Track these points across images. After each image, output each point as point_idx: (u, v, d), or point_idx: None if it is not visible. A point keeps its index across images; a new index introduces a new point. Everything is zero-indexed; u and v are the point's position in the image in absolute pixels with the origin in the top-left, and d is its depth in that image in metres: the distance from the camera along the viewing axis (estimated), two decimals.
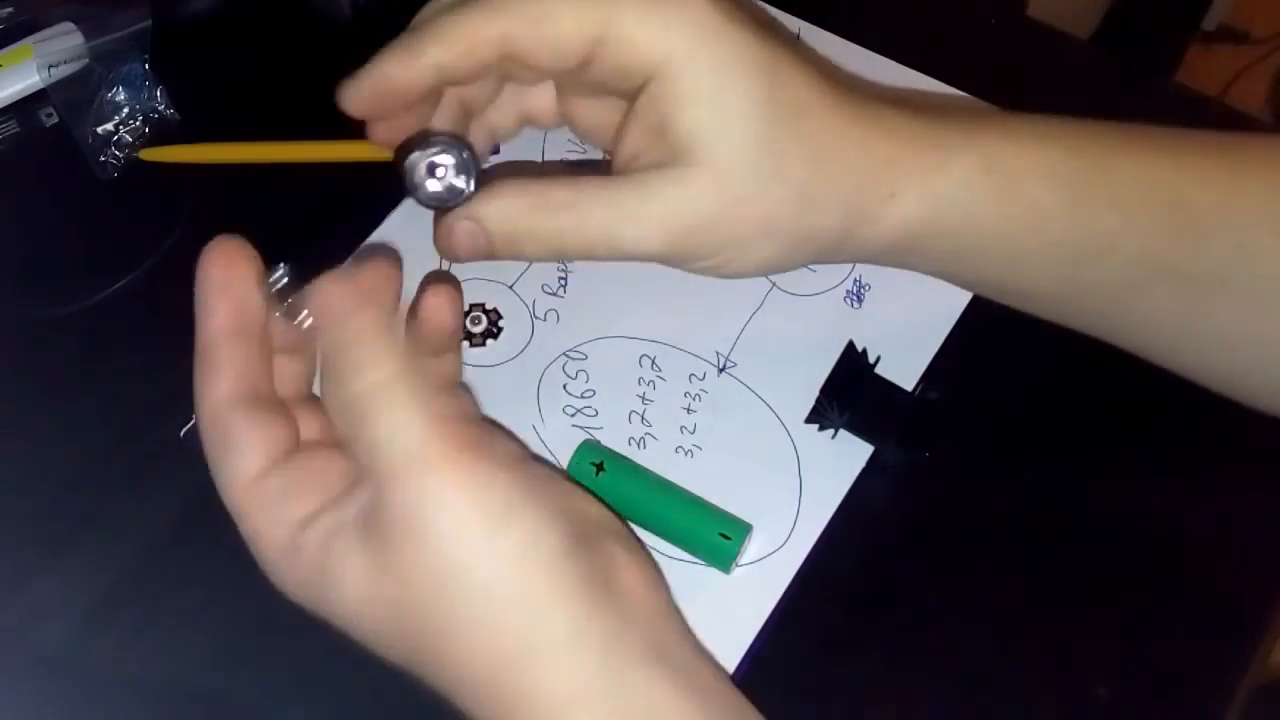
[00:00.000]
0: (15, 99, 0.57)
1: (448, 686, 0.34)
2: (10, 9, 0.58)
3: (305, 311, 0.36)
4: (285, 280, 0.36)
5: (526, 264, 0.51)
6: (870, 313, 0.49)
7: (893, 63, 0.56)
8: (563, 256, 0.38)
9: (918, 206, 0.38)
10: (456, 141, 0.37)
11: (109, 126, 0.55)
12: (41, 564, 0.45)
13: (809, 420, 0.47)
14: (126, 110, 0.55)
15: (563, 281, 0.51)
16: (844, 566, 0.45)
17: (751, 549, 0.45)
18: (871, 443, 0.47)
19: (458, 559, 0.32)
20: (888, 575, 0.45)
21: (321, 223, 0.53)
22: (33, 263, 0.54)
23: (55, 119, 0.56)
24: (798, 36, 0.55)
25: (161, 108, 0.56)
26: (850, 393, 0.46)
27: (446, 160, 0.37)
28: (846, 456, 0.47)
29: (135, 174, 0.55)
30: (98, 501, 0.47)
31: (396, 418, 0.32)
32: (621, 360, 0.49)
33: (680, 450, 0.47)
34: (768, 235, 0.37)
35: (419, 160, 0.37)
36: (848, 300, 0.50)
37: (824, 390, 0.47)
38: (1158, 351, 0.42)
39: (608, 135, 0.40)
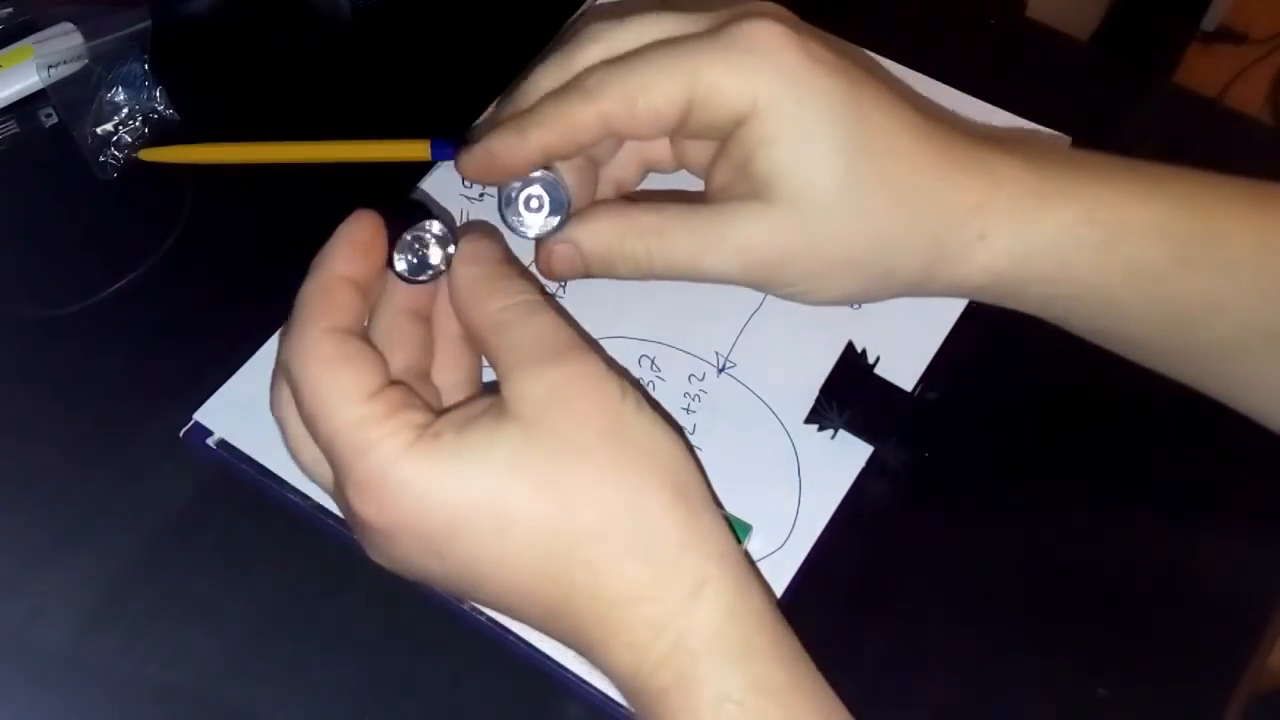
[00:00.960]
0: (15, 99, 0.56)
1: (614, 530, 0.34)
2: (10, 9, 0.58)
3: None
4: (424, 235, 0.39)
5: (526, 264, 0.51)
6: (870, 313, 0.49)
7: (893, 63, 0.56)
8: (650, 276, 0.40)
9: (1009, 252, 0.38)
10: (548, 179, 0.40)
11: (109, 127, 0.55)
12: (41, 564, 0.45)
13: (809, 420, 0.47)
14: (126, 110, 0.55)
15: (562, 282, 0.51)
16: (844, 566, 0.45)
17: (751, 549, 0.45)
18: (871, 443, 0.47)
19: (619, 414, 0.35)
20: (888, 575, 0.45)
21: (321, 223, 0.53)
22: (33, 263, 0.54)
23: (55, 119, 0.56)
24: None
25: (161, 108, 0.56)
26: (850, 393, 0.46)
27: (539, 194, 0.40)
28: (846, 456, 0.47)
29: (135, 174, 0.55)
30: (98, 502, 0.47)
31: (545, 320, 0.36)
32: (621, 360, 0.49)
33: None
34: (847, 270, 0.39)
35: (516, 194, 0.40)
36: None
37: (824, 390, 0.47)
38: (1267, 415, 0.42)
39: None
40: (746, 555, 0.37)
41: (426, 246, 0.38)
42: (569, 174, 0.40)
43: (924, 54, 0.56)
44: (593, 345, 0.36)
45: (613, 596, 0.34)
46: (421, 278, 0.38)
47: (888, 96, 0.38)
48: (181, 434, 0.47)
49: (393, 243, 0.38)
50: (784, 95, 0.36)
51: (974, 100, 0.55)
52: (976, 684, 0.43)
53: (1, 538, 0.46)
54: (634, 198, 0.41)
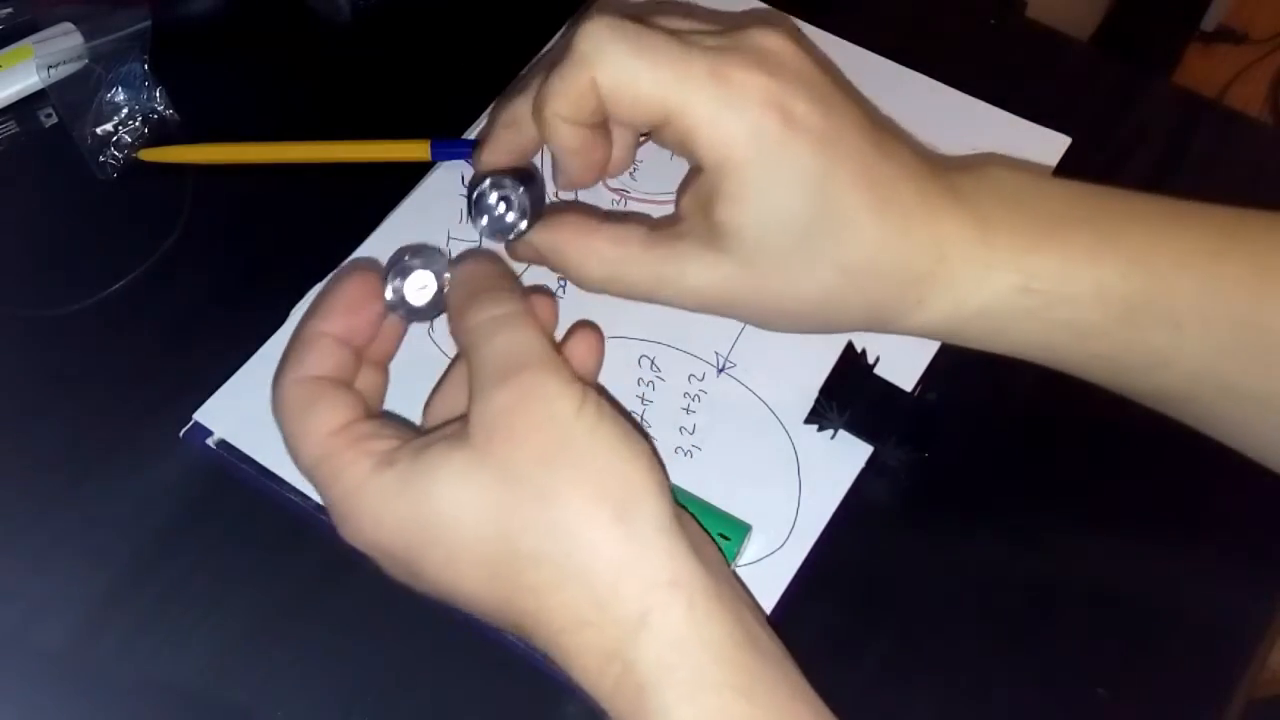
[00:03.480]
0: (15, 99, 0.57)
1: (550, 554, 0.34)
2: (10, 9, 0.58)
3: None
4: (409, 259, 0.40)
5: (525, 265, 0.51)
6: None
7: (893, 63, 0.56)
8: (608, 295, 0.42)
9: (944, 318, 0.39)
10: (519, 179, 0.41)
11: (108, 127, 0.55)
12: (41, 564, 0.45)
13: (808, 420, 0.47)
14: (126, 110, 0.55)
15: (562, 282, 0.51)
16: (844, 566, 0.45)
17: (751, 549, 0.45)
18: (871, 443, 0.47)
19: (565, 433, 0.34)
20: (888, 575, 0.45)
21: (320, 223, 0.53)
22: (33, 263, 0.54)
23: (55, 119, 0.56)
24: None
25: (161, 108, 0.56)
26: (850, 393, 0.46)
27: (509, 195, 0.41)
28: (846, 457, 0.47)
29: (135, 174, 0.55)
30: (98, 501, 0.47)
31: (505, 338, 0.36)
32: (621, 361, 0.49)
33: (680, 451, 0.47)
34: (791, 319, 0.41)
35: (486, 193, 0.41)
36: None
37: (823, 390, 0.47)
38: (1241, 447, 0.42)
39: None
40: (724, 575, 0.35)
41: (423, 288, 0.40)
42: (574, 154, 0.40)
43: (924, 54, 0.56)
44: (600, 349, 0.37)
45: (559, 622, 0.34)
46: (420, 312, 0.40)
47: (860, 162, 0.38)
48: (181, 434, 0.47)
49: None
50: (755, 162, 0.37)
51: (974, 100, 0.55)
52: (976, 684, 0.43)
53: (1, 538, 0.46)
54: (602, 219, 0.42)
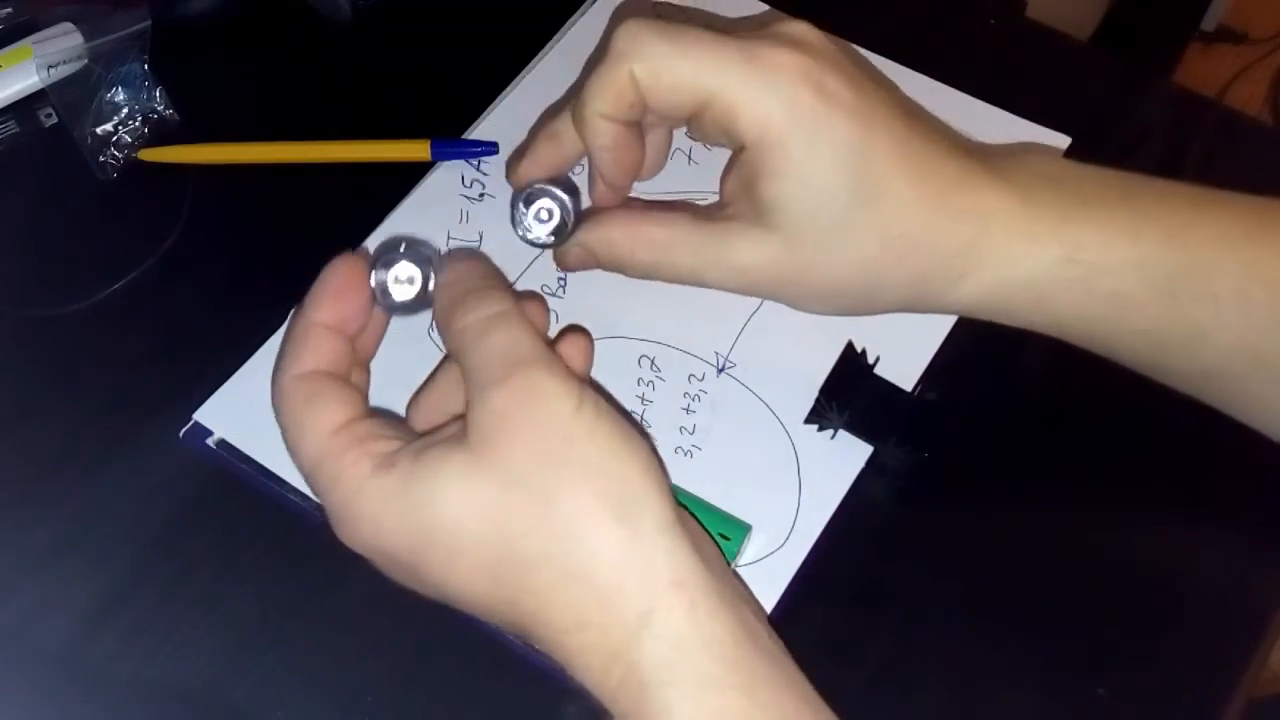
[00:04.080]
0: (15, 99, 0.57)
1: (552, 555, 0.34)
2: (10, 9, 0.58)
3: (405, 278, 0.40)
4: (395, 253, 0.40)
5: (525, 265, 0.51)
6: None
7: (893, 63, 0.56)
8: (656, 280, 0.43)
9: (988, 289, 0.40)
10: (559, 190, 0.42)
11: (108, 127, 0.55)
12: (41, 564, 0.45)
13: (808, 420, 0.47)
14: (126, 110, 0.55)
15: (562, 282, 0.51)
16: (844, 566, 0.45)
17: (751, 549, 0.45)
18: (871, 443, 0.47)
19: (564, 434, 0.34)
20: (888, 575, 0.45)
21: (320, 223, 0.53)
22: (33, 263, 0.54)
23: (54, 119, 0.56)
24: None
25: (161, 108, 0.56)
26: (850, 393, 0.46)
27: (549, 206, 0.43)
28: (846, 457, 0.47)
29: (135, 174, 0.55)
30: (98, 502, 0.47)
31: (498, 337, 0.36)
32: (621, 361, 0.49)
33: (680, 450, 0.47)
34: (835, 296, 0.41)
35: (531, 200, 0.43)
36: None
37: (823, 390, 0.47)
38: (1266, 429, 0.42)
39: None
40: (725, 574, 0.35)
41: (411, 282, 0.39)
42: (613, 152, 0.42)
43: (924, 54, 0.56)
44: (594, 346, 0.37)
45: (562, 623, 0.34)
46: (401, 306, 0.39)
47: (895, 136, 0.39)
48: (181, 434, 0.47)
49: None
50: (794, 135, 0.38)
51: (974, 100, 0.55)
52: (976, 684, 0.43)
53: (1, 538, 0.46)
54: (647, 207, 0.43)
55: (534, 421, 0.34)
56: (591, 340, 0.40)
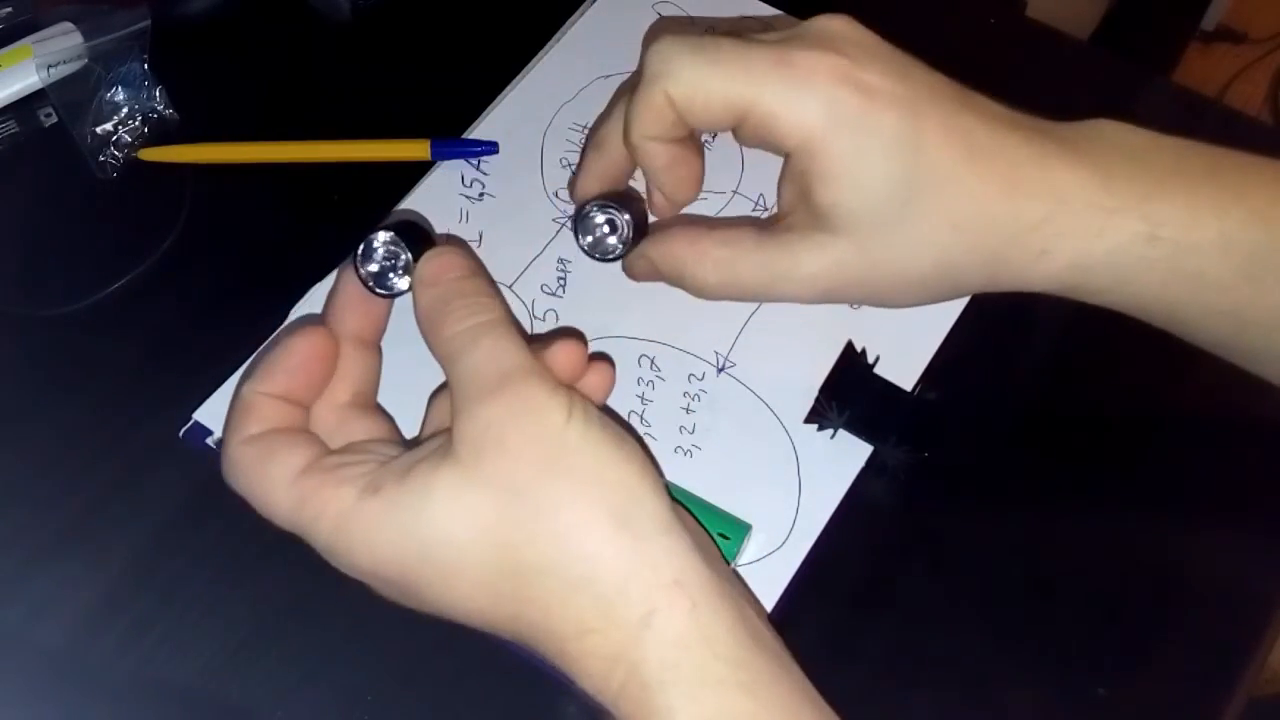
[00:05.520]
0: (14, 99, 0.56)
1: (553, 567, 0.34)
2: (10, 9, 0.58)
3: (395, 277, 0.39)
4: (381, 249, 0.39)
5: (525, 264, 0.51)
6: (870, 312, 0.49)
7: None
8: (727, 300, 0.43)
9: (1069, 267, 0.39)
10: (613, 204, 0.43)
11: (108, 126, 0.55)
12: (42, 564, 0.45)
13: (808, 420, 0.47)
14: (125, 110, 0.55)
15: (562, 282, 0.51)
16: (844, 566, 0.45)
17: (751, 549, 0.45)
18: (871, 443, 0.47)
19: (557, 444, 0.34)
20: (888, 575, 0.45)
21: (320, 223, 0.53)
22: (33, 263, 0.54)
23: (54, 119, 0.56)
24: None
25: (161, 108, 0.56)
26: (850, 393, 0.46)
27: (614, 219, 0.43)
28: (846, 456, 0.47)
29: (134, 174, 0.55)
30: (98, 501, 0.47)
31: (486, 348, 0.35)
32: (620, 360, 0.49)
33: (679, 450, 0.47)
34: (912, 287, 0.40)
35: (590, 214, 0.43)
36: None
37: (823, 390, 0.47)
38: None
39: None
40: (724, 572, 0.36)
41: (397, 263, 0.39)
42: (669, 170, 0.42)
43: (924, 54, 0.56)
44: (592, 346, 0.36)
45: (564, 631, 0.34)
46: (381, 291, 0.39)
47: (948, 120, 0.38)
48: (181, 434, 0.47)
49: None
50: (838, 134, 0.37)
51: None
52: (976, 684, 0.43)
53: (1, 537, 0.46)
54: (711, 224, 0.43)
55: (526, 434, 0.34)
56: (585, 346, 0.40)
